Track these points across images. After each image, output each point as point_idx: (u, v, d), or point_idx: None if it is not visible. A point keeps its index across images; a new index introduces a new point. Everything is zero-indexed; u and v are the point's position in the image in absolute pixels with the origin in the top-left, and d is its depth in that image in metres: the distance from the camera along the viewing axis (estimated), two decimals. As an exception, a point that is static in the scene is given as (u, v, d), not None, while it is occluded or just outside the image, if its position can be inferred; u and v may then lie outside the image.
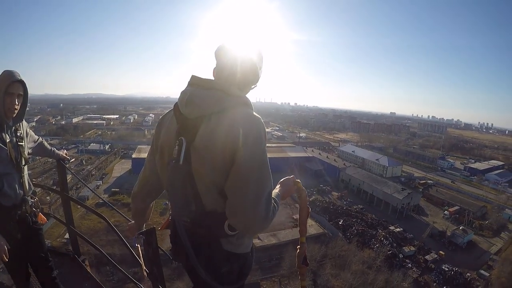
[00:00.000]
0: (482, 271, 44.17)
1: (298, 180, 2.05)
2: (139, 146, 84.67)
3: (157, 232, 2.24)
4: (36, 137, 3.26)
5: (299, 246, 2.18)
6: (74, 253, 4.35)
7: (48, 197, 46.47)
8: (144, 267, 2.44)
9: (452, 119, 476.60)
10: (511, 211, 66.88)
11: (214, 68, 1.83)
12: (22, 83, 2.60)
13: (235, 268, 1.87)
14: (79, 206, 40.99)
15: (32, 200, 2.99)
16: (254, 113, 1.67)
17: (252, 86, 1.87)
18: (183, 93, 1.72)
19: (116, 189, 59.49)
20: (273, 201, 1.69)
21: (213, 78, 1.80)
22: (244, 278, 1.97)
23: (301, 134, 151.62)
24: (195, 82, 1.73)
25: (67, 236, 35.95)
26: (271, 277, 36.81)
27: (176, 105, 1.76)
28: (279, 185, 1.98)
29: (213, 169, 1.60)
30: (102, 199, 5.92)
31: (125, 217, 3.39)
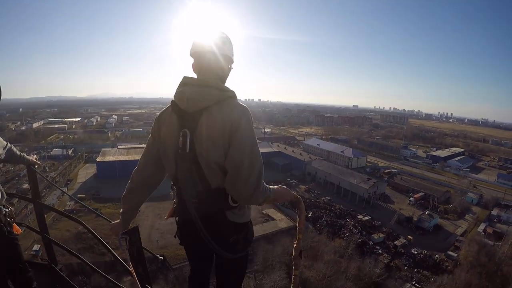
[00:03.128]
0: (450, 252, 46.26)
1: (299, 196, 2.54)
2: (103, 149, 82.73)
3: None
4: (5, 142, 3.13)
5: (296, 241, 2.49)
6: (51, 262, 4.14)
7: (11, 208, 43.92)
8: (131, 268, 2.50)
9: (413, 110, 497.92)
10: (474, 195, 71.10)
11: (193, 64, 2.17)
12: None
13: (241, 237, 2.28)
14: (45, 215, 39.61)
15: (6, 210, 2.92)
16: (241, 102, 2.07)
17: (231, 69, 2.27)
18: (181, 92, 2.06)
19: (82, 195, 57.39)
20: (265, 183, 2.09)
21: (195, 75, 2.18)
22: (249, 246, 2.39)
23: (266, 130, 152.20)
24: (188, 82, 2.10)
25: (35, 248, 34.54)
26: (246, 274, 36.42)
27: (173, 102, 2.11)
28: (278, 186, 2.37)
29: (215, 152, 1.96)
30: (87, 206, 5.57)
31: (106, 219, 3.35)
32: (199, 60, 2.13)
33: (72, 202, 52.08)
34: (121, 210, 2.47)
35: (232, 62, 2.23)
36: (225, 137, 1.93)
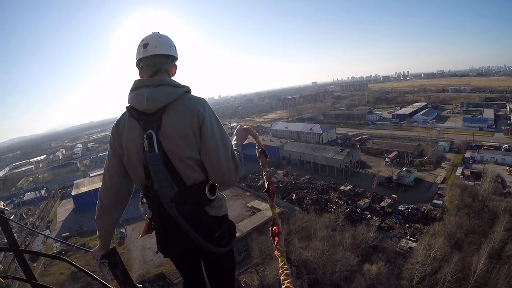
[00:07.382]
0: (435, 201, 48.21)
1: (246, 126, 2.72)
2: (75, 182, 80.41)
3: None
4: None
5: (257, 145, 2.62)
6: None
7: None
8: None
9: (371, 75, 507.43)
10: (444, 143, 74.10)
11: (141, 69, 2.23)
12: None
13: (225, 230, 2.33)
14: (35, 264, 37.93)
15: None
16: (197, 95, 2.18)
17: (176, 65, 2.33)
18: (139, 94, 2.05)
19: (66, 234, 55.17)
20: (237, 152, 2.25)
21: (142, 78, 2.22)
22: (234, 237, 2.46)
23: (232, 124, 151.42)
24: (142, 84, 2.12)
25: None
26: (247, 269, 37.01)
27: (129, 107, 2.11)
28: (235, 136, 2.58)
29: (187, 147, 2.02)
30: (73, 245, 5.24)
31: (89, 251, 2.99)
32: (146, 64, 2.18)
33: (58, 243, 50.25)
34: (97, 234, 2.43)
35: (176, 59, 2.31)
36: (195, 130, 2.02)
